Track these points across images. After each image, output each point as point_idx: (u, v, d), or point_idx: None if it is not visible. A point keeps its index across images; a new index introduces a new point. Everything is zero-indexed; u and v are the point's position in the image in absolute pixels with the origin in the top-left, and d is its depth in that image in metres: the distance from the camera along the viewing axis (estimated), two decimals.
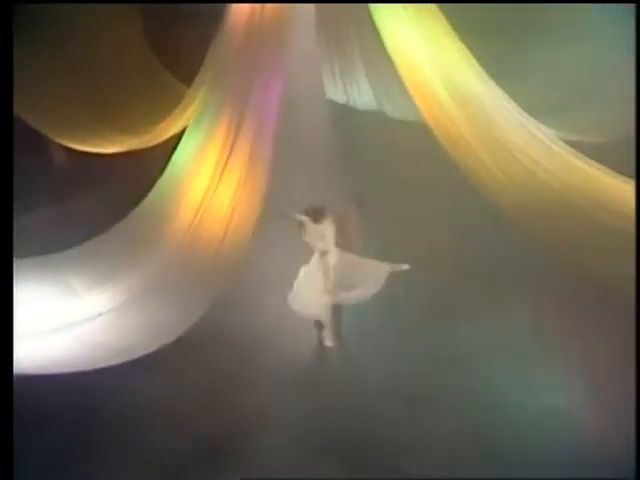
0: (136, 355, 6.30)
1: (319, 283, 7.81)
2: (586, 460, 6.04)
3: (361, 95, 9.98)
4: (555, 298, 8.08)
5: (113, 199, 8.46)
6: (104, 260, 7.18)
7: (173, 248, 7.11)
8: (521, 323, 7.90)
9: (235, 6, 7.46)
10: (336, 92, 10.06)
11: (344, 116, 10.28)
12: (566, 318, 7.76)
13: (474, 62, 7.61)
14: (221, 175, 7.29)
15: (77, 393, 6.83)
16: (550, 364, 7.35)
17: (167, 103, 8.67)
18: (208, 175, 7.33)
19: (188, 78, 8.41)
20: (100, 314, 6.81)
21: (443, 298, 8.49)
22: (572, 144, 7.64)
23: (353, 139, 10.17)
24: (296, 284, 7.87)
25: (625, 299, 6.60)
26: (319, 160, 9.78)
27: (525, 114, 7.70)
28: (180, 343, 7.43)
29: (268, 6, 7.35)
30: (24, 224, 8.08)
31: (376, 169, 9.94)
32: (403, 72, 7.40)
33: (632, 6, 8.12)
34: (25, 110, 8.19)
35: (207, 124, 7.47)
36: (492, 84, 7.61)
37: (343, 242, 7.93)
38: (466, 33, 7.63)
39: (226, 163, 7.27)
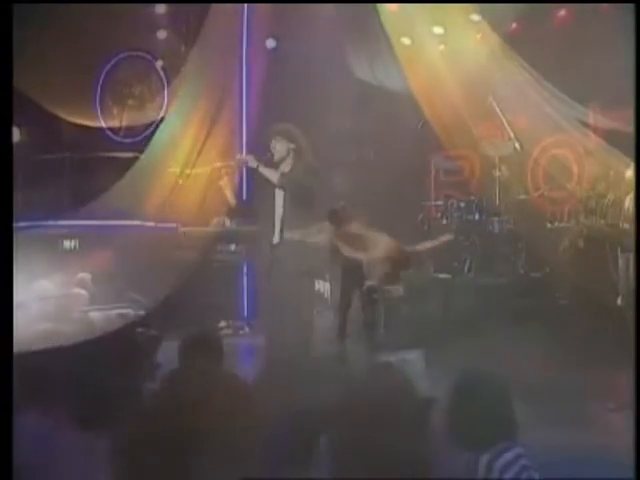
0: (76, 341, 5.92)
1: None
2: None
3: (389, 76, 9.23)
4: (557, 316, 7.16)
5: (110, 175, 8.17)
6: (66, 241, 6.93)
7: (136, 235, 6.82)
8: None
9: None
10: (363, 72, 9.38)
11: (373, 97, 9.54)
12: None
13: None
14: (195, 161, 7.07)
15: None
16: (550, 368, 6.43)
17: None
18: (182, 160, 7.13)
19: None
20: (47, 297, 6.48)
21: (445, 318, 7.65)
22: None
23: (382, 121, 9.40)
24: None
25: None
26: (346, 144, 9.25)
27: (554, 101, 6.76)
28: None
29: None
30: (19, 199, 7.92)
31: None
32: (398, 47, 6.71)
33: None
34: (20, 80, 7.97)
35: (187, 109, 7.41)
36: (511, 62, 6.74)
37: None
38: None
39: (200, 150, 7.05)
